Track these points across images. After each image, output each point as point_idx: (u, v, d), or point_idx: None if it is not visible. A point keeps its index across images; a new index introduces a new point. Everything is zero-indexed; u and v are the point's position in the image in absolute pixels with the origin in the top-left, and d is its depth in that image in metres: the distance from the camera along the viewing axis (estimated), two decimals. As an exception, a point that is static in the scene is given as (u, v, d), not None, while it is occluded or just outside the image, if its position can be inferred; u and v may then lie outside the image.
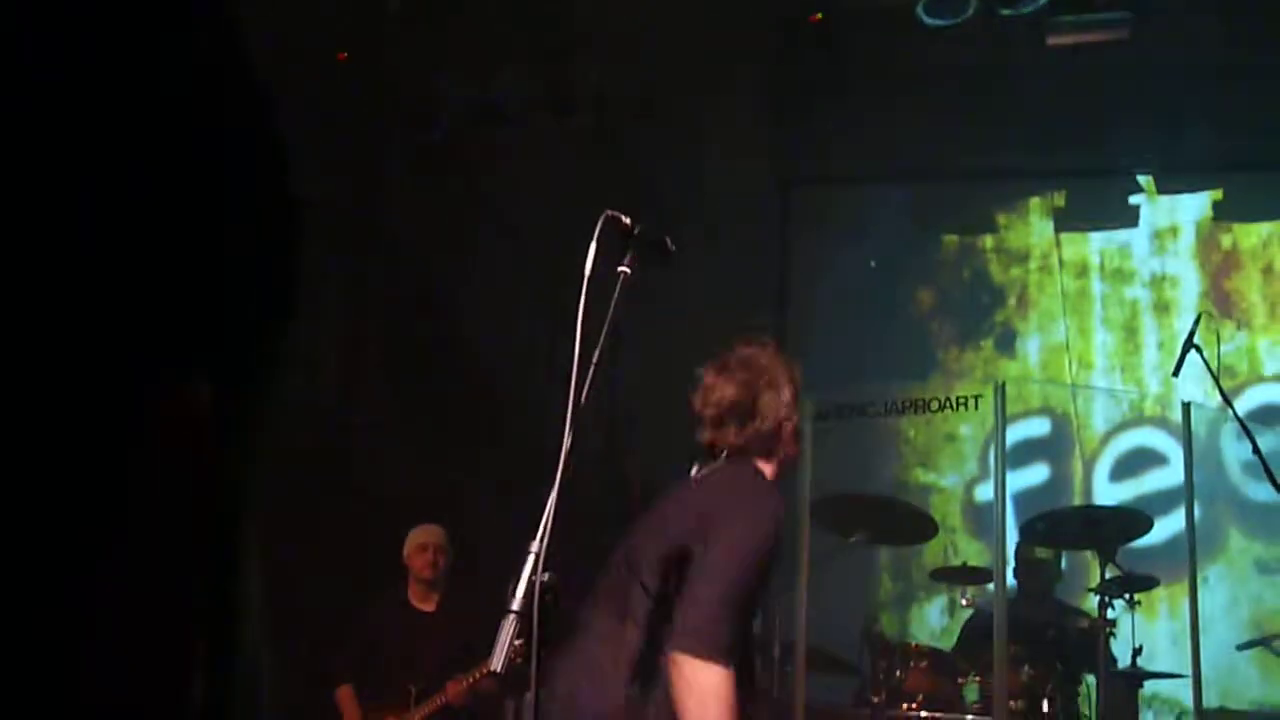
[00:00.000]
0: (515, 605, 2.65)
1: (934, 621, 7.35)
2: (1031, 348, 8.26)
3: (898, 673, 6.05)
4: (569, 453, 2.77)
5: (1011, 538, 6.84)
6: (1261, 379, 7.78)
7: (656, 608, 3.54)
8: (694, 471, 3.84)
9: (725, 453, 3.73)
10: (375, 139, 7.94)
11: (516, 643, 2.69)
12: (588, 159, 7.92)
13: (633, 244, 2.94)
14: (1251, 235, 7.99)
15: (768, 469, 3.73)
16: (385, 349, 8.08)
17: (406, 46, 7.39)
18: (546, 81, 7.16)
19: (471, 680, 5.43)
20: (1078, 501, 7.66)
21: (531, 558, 2.67)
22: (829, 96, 7.22)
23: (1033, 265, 8.34)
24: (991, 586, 6.13)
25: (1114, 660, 6.26)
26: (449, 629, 5.67)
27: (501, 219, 8.08)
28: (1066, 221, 8.29)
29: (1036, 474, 8.11)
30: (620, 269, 2.95)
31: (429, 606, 5.96)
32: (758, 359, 3.84)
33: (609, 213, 2.88)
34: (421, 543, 5.97)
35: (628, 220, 2.91)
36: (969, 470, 8.00)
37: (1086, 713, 5.87)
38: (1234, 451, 6.38)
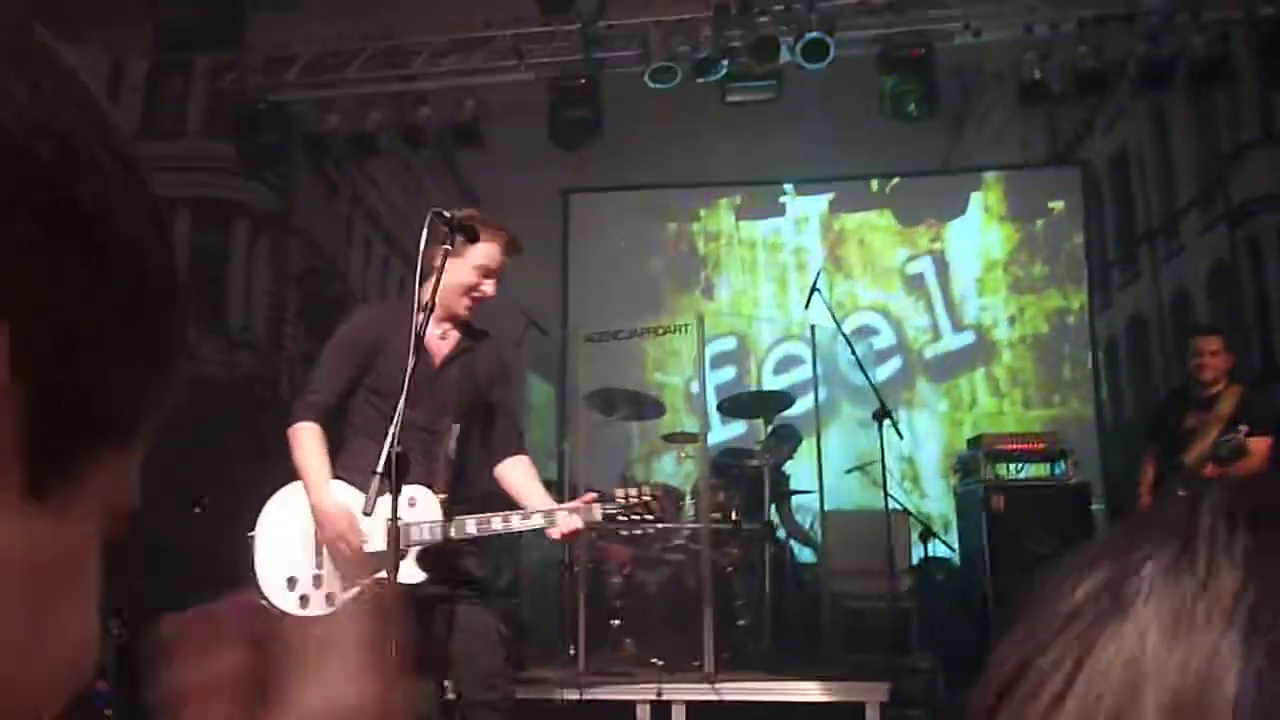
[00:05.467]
0: (379, 468, 2.62)
1: (667, 469, 7.45)
2: (723, 294, 8.40)
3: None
4: (412, 370, 2.74)
5: (713, 414, 6.99)
6: (859, 308, 8.07)
7: None
8: None
9: None
10: (291, 163, 7.61)
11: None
12: (434, 176, 7.75)
13: (452, 229, 2.89)
14: (853, 221, 8.25)
15: None
16: (301, 303, 7.79)
17: (306, 91, 7.09)
18: (403, 121, 6.94)
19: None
20: (753, 389, 7.82)
21: (389, 439, 2.64)
22: (592, 134, 7.18)
23: (723, 242, 8.46)
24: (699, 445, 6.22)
25: (785, 480, 6.43)
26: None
27: (375, 215, 7.85)
28: (743, 213, 8.44)
29: (727, 374, 8.28)
30: (444, 246, 2.91)
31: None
32: None
33: (433, 210, 2.83)
34: None
35: (447, 213, 2.86)
36: (686, 373, 8.11)
37: (759, 515, 5.95)
38: (843, 355, 6.59)
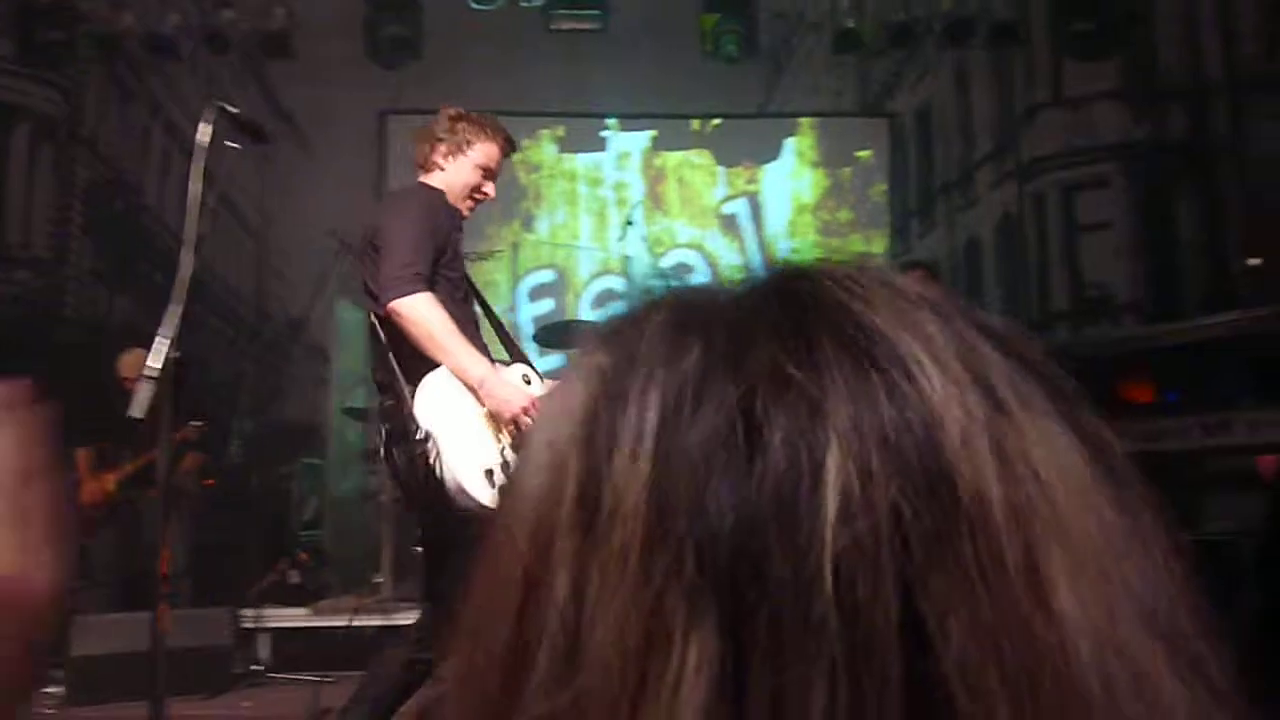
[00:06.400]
0: (152, 372, 2.42)
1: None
2: (543, 226, 8.29)
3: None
4: (192, 271, 2.54)
5: (531, 346, 6.90)
6: (677, 245, 8.15)
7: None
8: None
9: None
10: (79, 65, 6.96)
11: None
12: (241, 88, 7.26)
13: (237, 127, 2.68)
14: (673, 160, 8.27)
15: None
16: (89, 218, 7.18)
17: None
18: (205, 24, 6.46)
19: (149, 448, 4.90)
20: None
21: (163, 340, 2.44)
22: (411, 53, 6.91)
23: (544, 174, 8.32)
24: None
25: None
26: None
27: (175, 127, 7.31)
28: (565, 146, 8.32)
29: (547, 305, 8.19)
30: (229, 144, 2.70)
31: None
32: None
33: (216, 102, 2.60)
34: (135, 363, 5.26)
35: (233, 109, 2.65)
36: (503, 303, 7.97)
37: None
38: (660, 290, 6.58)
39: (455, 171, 3.01)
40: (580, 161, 8.33)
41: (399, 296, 2.65)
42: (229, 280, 7.34)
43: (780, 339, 0.32)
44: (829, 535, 0.28)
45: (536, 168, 8.35)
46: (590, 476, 0.32)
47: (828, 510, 0.29)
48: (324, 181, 7.16)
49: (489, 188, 3.08)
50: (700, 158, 8.26)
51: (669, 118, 8.17)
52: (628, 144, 8.28)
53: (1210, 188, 7.14)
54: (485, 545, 0.35)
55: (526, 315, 7.91)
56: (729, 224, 8.19)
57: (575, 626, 0.31)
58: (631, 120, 8.22)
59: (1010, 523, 0.29)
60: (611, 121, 8.25)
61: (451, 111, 3.09)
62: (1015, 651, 0.28)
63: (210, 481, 5.89)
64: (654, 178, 8.24)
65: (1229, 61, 6.99)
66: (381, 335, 2.79)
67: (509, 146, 3.13)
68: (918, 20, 6.86)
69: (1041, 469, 0.30)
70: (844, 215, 8.17)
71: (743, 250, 8.16)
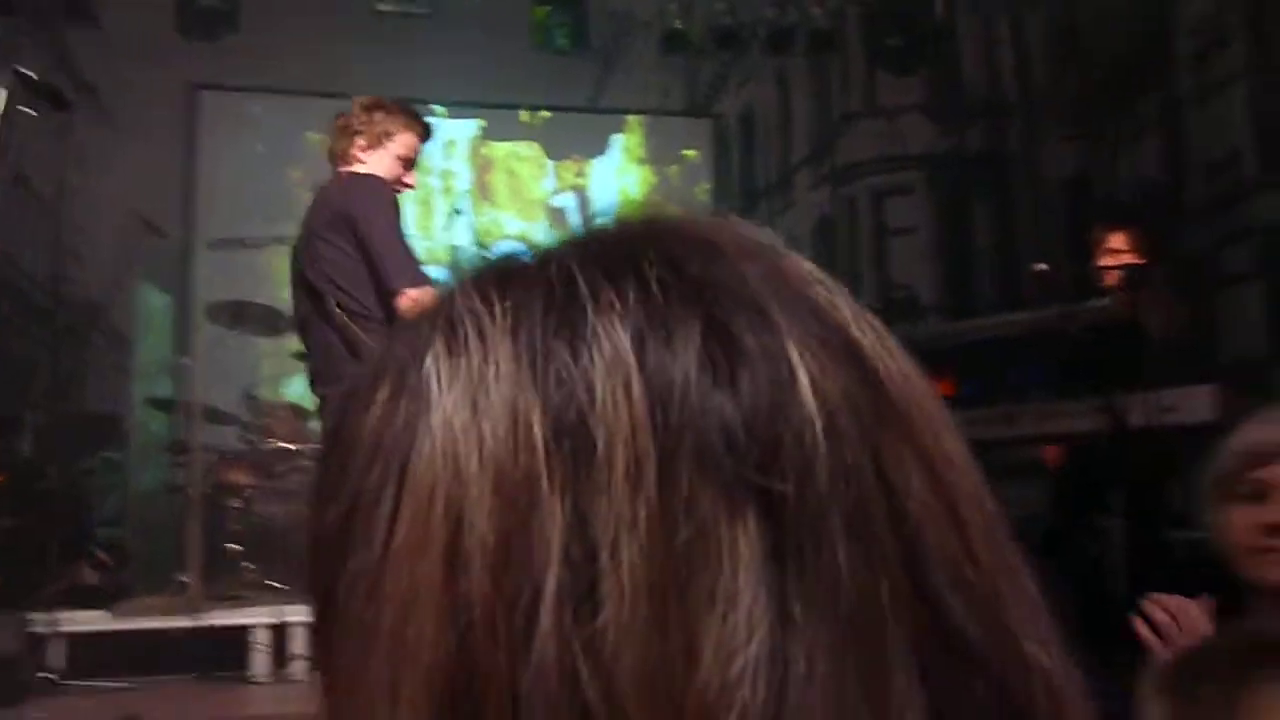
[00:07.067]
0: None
1: (299, 389, 7.08)
2: (367, 213, 8.06)
3: (267, 420, 5.81)
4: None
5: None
6: (505, 237, 8.08)
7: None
8: None
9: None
10: None
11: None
12: (36, 55, 6.72)
13: (34, 92, 2.49)
14: (500, 150, 8.21)
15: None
16: None
17: None
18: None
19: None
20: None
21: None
22: (226, 27, 6.57)
23: (368, 159, 8.10)
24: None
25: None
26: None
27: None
28: (390, 132, 8.12)
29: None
30: (23, 109, 2.50)
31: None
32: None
33: (15, 67, 2.41)
34: None
35: (28, 73, 2.45)
36: (324, 291, 7.70)
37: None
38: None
39: (375, 165, 2.92)
40: (406, 148, 8.14)
41: (416, 285, 2.72)
42: (20, 261, 6.79)
43: (707, 265, 0.35)
44: (815, 416, 0.33)
45: (360, 153, 8.10)
46: (564, 413, 0.32)
47: (807, 398, 0.33)
48: (128, 157, 6.73)
49: (411, 178, 3.02)
50: (529, 149, 8.22)
51: (498, 107, 8.10)
52: (455, 132, 8.14)
53: (1004, 199, 7.67)
54: (396, 527, 0.33)
55: (348, 304, 7.70)
56: (558, 217, 8.20)
57: (588, 561, 0.30)
58: (459, 108, 8.09)
59: (909, 391, 0.36)
60: (439, 109, 8.09)
61: (365, 100, 2.99)
62: (944, 482, 0.35)
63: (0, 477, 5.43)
64: (482, 167, 8.15)
65: (1022, 83, 7.53)
66: (348, 324, 2.74)
67: (426, 133, 3.05)
68: (743, 25, 7.05)
69: (900, 358, 0.37)
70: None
71: (571, 244, 8.18)
